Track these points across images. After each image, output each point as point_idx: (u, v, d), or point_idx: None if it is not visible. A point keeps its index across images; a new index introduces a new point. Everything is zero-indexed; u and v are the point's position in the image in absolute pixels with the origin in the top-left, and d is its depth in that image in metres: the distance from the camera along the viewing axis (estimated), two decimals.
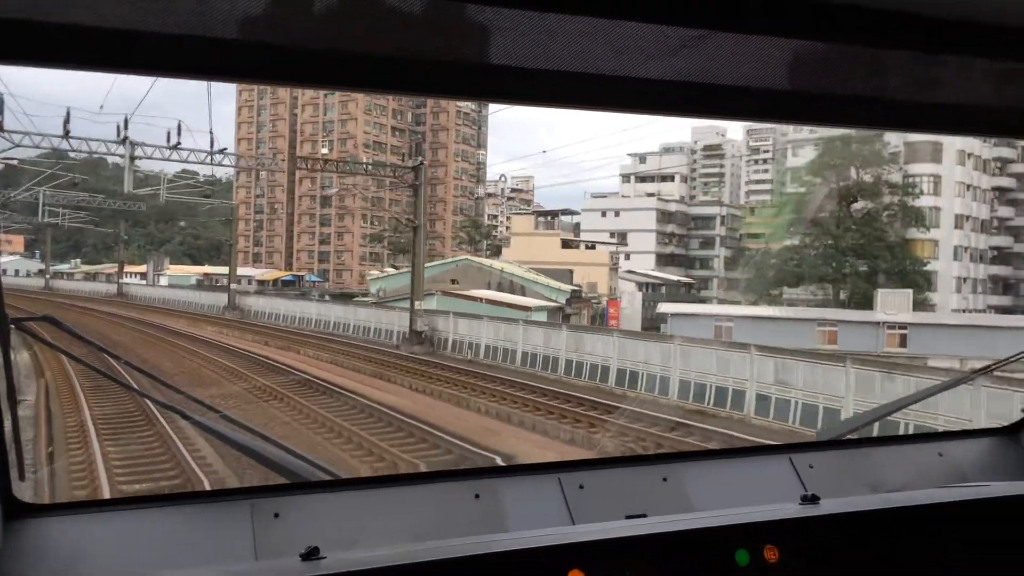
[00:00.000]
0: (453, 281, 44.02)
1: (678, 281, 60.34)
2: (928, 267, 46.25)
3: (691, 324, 33.23)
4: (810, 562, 1.24)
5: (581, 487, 1.68)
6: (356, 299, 46.98)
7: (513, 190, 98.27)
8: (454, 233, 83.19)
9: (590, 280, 47.89)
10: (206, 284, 65.21)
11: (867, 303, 38.39)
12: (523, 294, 41.14)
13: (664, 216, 70.23)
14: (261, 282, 67.28)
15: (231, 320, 38.84)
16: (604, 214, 68.99)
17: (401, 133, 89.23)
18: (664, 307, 40.78)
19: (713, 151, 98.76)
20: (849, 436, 1.88)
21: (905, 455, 1.88)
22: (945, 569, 1.30)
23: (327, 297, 52.28)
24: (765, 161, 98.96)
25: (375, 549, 1.28)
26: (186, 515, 1.46)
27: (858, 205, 45.96)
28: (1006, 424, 1.97)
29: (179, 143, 26.16)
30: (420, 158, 30.89)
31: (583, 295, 44.65)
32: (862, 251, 43.65)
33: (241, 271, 73.07)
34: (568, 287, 44.10)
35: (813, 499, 1.38)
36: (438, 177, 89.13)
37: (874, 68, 1.06)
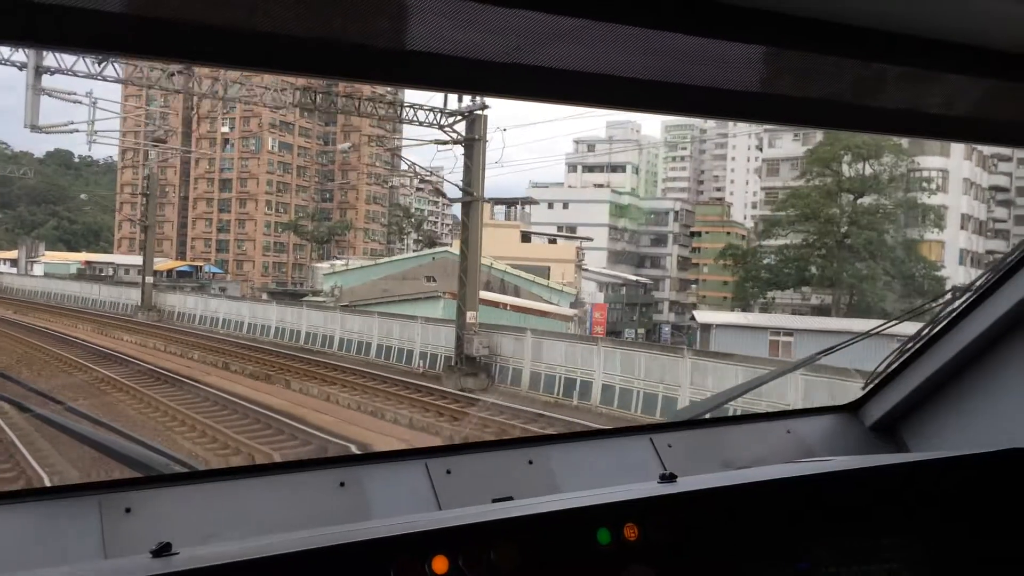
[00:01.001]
0: (429, 278, 38.63)
1: (636, 281, 58.27)
2: (939, 272, 42.57)
3: (736, 338, 29.35)
4: (668, 537, 1.33)
5: (448, 472, 1.74)
6: (306, 299, 40.71)
7: (423, 180, 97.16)
8: (364, 222, 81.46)
9: (562, 280, 42.49)
10: (88, 274, 61.41)
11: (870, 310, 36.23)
12: (516, 295, 35.68)
13: (617, 209, 66.81)
14: (153, 272, 63.61)
15: (154, 327, 31.63)
16: (551, 206, 65.19)
17: (310, 114, 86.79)
18: (703, 316, 36.20)
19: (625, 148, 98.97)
20: (705, 416, 2.03)
21: (757, 433, 2.05)
22: (792, 539, 1.42)
23: (264, 296, 47.29)
24: (683, 159, 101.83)
25: (234, 543, 1.29)
26: (27, 514, 1.42)
27: (864, 200, 43.14)
28: (848, 402, 2.18)
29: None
30: (477, 106, 22.07)
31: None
32: (868, 252, 41.22)
33: (126, 259, 69.00)
34: (572, 289, 39.06)
35: (671, 477, 1.49)
36: (350, 163, 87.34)
37: (825, 73, 1.17)
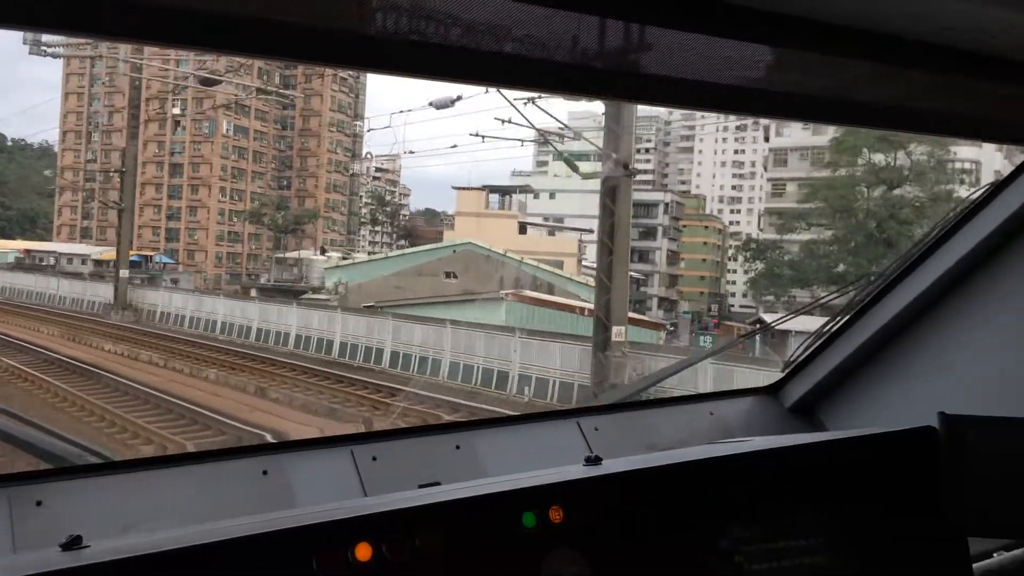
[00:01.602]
0: (449, 275, 35.10)
1: (632, 277, 56.61)
2: None
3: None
4: (592, 519, 1.37)
5: (374, 459, 1.77)
6: (304, 297, 36.55)
7: (379, 169, 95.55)
8: (324, 211, 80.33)
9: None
10: (27, 263, 59.58)
11: None
12: (550, 293, 31.97)
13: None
14: (99, 262, 61.14)
15: (138, 331, 26.81)
16: (536, 195, 63.37)
17: (268, 96, 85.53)
18: (771, 318, 31.69)
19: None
20: (632, 399, 2.13)
21: (681, 415, 2.14)
22: (713, 517, 1.48)
23: (253, 292, 42.36)
24: (647, 151, 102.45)
25: (150, 534, 1.28)
26: None
27: (897, 192, 41.71)
28: (769, 384, 2.30)
29: None
30: None
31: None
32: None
33: (69, 248, 67.08)
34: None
35: (596, 460, 1.52)
36: (309, 149, 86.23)
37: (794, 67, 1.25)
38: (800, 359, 2.13)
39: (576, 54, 1.14)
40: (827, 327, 2.05)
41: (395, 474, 1.77)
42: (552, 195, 63.07)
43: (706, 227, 72.80)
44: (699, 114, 71.32)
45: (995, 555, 1.81)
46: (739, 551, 1.58)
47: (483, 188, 59.21)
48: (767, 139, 59.26)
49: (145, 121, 77.24)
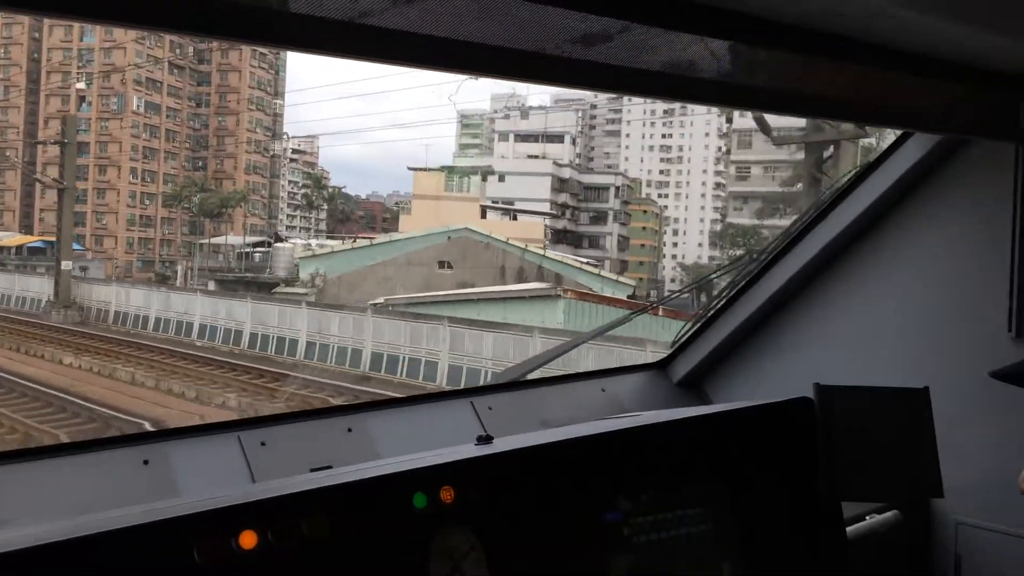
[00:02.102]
0: (444, 264, 32.33)
1: (586, 262, 54.40)
2: None
3: None
4: (484, 498, 1.39)
5: (263, 444, 1.76)
6: (277, 291, 33.36)
7: (295, 151, 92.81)
8: (239, 189, 77.86)
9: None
10: None
11: None
12: (558, 283, 28.90)
13: (558, 183, 63.00)
14: None
15: (101, 338, 23.36)
16: (485, 178, 59.95)
17: (180, 71, 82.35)
18: None
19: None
20: (525, 379, 2.17)
21: (573, 392, 2.19)
22: (602, 491, 1.53)
23: (210, 285, 39.00)
24: (574, 139, 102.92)
25: (23, 529, 1.25)
26: None
27: None
28: (658, 360, 2.41)
29: None
30: None
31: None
32: None
33: None
34: (629, 280, 32.82)
35: (487, 439, 1.56)
36: (226, 128, 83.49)
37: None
38: (687, 335, 2.23)
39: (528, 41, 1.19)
40: (712, 304, 2.16)
41: (285, 459, 1.76)
42: (501, 178, 61.62)
43: (644, 211, 73.30)
44: (626, 98, 71.92)
45: (867, 518, 1.95)
46: (627, 523, 1.65)
47: (442, 169, 58.01)
48: (729, 120, 59.02)
49: (46, 95, 73.43)
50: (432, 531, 1.37)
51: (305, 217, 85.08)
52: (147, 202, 75.89)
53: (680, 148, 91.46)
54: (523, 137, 73.40)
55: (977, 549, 1.95)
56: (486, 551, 1.40)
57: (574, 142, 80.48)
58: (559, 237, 60.66)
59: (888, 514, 1.96)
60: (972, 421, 1.89)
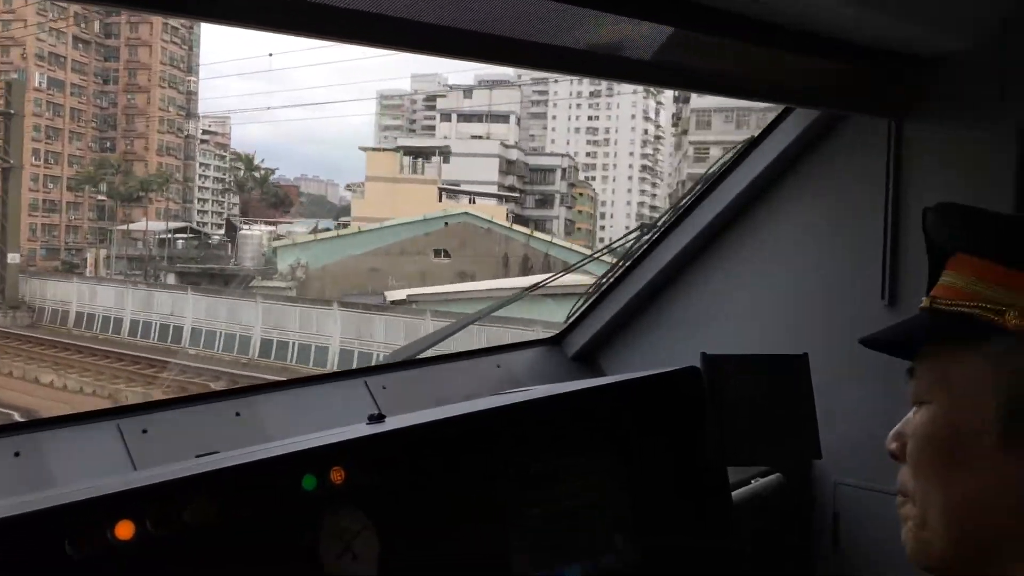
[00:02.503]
0: (440, 253, 29.99)
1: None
2: None
3: None
4: (375, 477, 1.38)
5: (145, 432, 1.72)
6: (256, 285, 30.87)
7: (205, 132, 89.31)
8: (161, 171, 74.91)
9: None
10: None
11: None
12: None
13: (505, 165, 60.59)
14: None
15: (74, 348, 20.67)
16: (429, 159, 57.11)
17: (86, 46, 78.40)
18: None
19: (435, 103, 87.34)
20: (420, 356, 2.18)
21: (469, 369, 2.21)
22: (496, 465, 1.55)
23: (169, 277, 35.67)
24: (519, 119, 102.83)
25: None
26: None
27: None
28: (553, 335, 2.45)
29: None
30: None
31: None
32: None
33: None
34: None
35: (379, 418, 1.54)
36: (136, 106, 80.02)
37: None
38: (581, 309, 2.28)
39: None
40: (605, 278, 2.21)
41: (169, 447, 1.71)
42: (447, 159, 59.07)
43: (580, 194, 73.36)
44: (552, 79, 71.77)
45: (752, 482, 2.05)
46: (520, 497, 1.68)
47: (397, 149, 55.03)
48: (687, 100, 59.10)
49: None
50: (322, 513, 1.36)
51: (218, 202, 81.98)
52: (51, 185, 72.16)
53: (607, 130, 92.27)
54: (466, 117, 71.63)
55: (853, 507, 2.07)
56: (378, 531, 1.40)
57: (519, 122, 78.94)
58: (511, 222, 59.60)
59: (771, 477, 2.06)
60: (849, 386, 2.00)
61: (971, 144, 1.85)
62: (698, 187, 2.10)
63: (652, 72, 1.74)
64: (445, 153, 55.54)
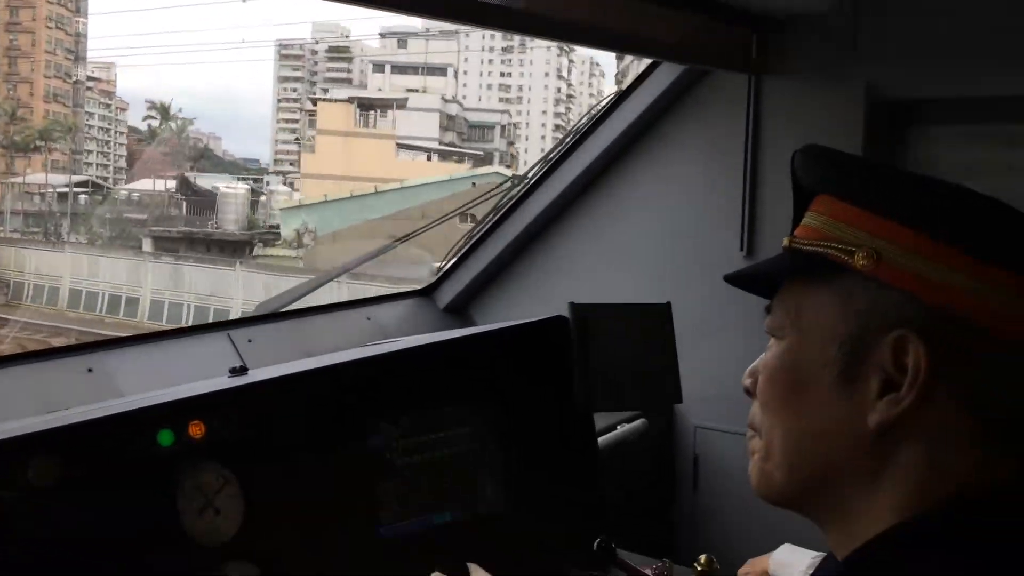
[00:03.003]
0: (467, 217, 25.02)
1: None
2: None
3: None
4: (237, 431, 1.36)
5: None
6: (259, 254, 28.05)
7: (90, 79, 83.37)
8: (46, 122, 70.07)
9: None
10: None
11: None
12: None
13: (446, 120, 58.36)
14: None
15: None
16: (385, 112, 53.92)
17: None
18: None
19: (339, 54, 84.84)
20: (287, 309, 2.14)
21: (338, 321, 2.21)
22: (362, 416, 1.55)
23: (145, 244, 30.53)
24: (456, 72, 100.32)
25: None
26: None
27: None
28: (424, 286, 2.48)
29: None
30: None
31: None
32: None
33: None
34: None
35: (241, 371, 1.53)
36: (19, 48, 74.31)
37: None
38: (453, 260, 2.30)
39: None
40: (477, 229, 2.23)
41: (12, 405, 1.64)
42: (384, 112, 55.38)
43: (515, 155, 72.31)
44: (464, 32, 69.48)
45: (618, 427, 2.13)
46: (390, 447, 1.69)
47: (350, 100, 51.57)
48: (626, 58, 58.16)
49: None
50: (181, 469, 1.33)
51: (103, 153, 77.01)
52: None
53: (520, 88, 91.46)
54: (400, 68, 68.56)
55: (712, 449, 2.19)
56: (242, 485, 1.38)
57: (456, 75, 75.86)
58: None
59: (636, 423, 2.14)
60: (710, 333, 2.09)
61: (824, 101, 1.95)
62: (568, 140, 2.13)
63: (523, 20, 1.74)
64: (403, 106, 53.19)
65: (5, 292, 22.90)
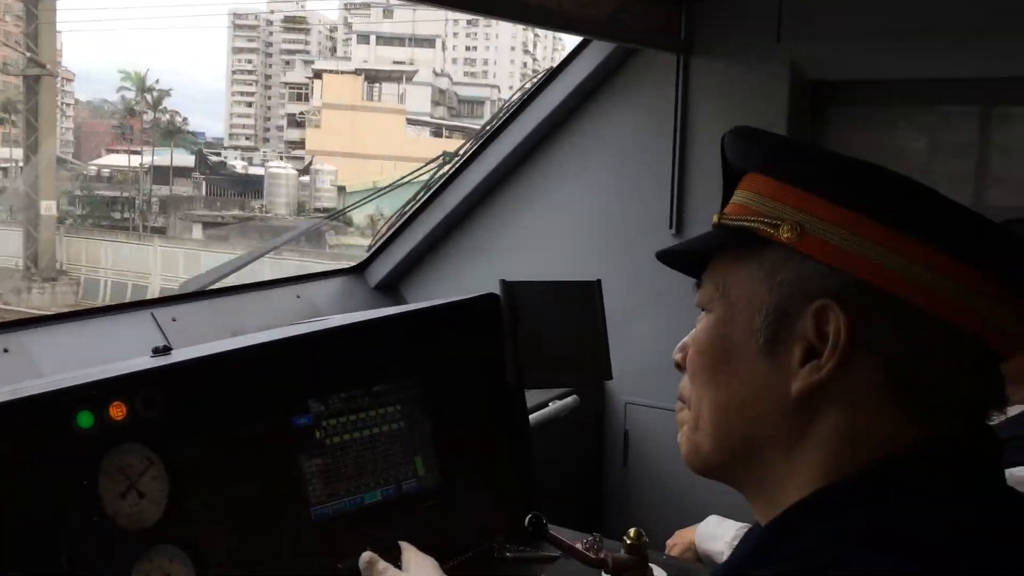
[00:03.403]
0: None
1: None
2: None
3: None
4: (160, 412, 1.34)
5: None
6: (333, 244, 25.99)
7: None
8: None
9: None
10: None
11: None
12: None
13: (438, 95, 56.52)
14: None
15: None
16: (400, 83, 53.57)
17: None
18: None
19: (296, 24, 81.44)
20: (213, 287, 2.12)
21: (267, 300, 2.19)
22: (290, 396, 1.53)
23: (196, 233, 28.57)
24: (444, 44, 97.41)
25: None
26: None
27: None
28: (354, 265, 2.48)
29: None
30: None
31: None
32: None
33: None
34: None
35: (165, 350, 1.50)
36: None
37: None
38: (384, 239, 2.29)
39: None
40: (408, 207, 2.23)
41: None
42: (373, 84, 53.36)
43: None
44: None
45: (550, 404, 2.16)
46: (319, 426, 1.67)
47: (356, 72, 49.73)
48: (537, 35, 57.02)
49: None
50: (101, 451, 1.30)
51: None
52: None
53: (485, 62, 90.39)
54: (387, 40, 65.91)
55: (642, 425, 2.23)
56: (167, 467, 1.36)
57: (444, 48, 73.01)
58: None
59: (567, 400, 2.17)
60: (639, 310, 2.12)
61: (750, 80, 1.97)
62: (500, 116, 2.13)
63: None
64: (411, 78, 51.27)
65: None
